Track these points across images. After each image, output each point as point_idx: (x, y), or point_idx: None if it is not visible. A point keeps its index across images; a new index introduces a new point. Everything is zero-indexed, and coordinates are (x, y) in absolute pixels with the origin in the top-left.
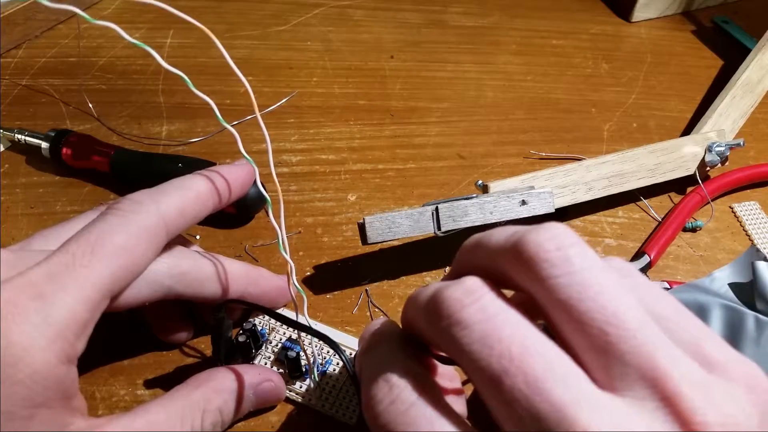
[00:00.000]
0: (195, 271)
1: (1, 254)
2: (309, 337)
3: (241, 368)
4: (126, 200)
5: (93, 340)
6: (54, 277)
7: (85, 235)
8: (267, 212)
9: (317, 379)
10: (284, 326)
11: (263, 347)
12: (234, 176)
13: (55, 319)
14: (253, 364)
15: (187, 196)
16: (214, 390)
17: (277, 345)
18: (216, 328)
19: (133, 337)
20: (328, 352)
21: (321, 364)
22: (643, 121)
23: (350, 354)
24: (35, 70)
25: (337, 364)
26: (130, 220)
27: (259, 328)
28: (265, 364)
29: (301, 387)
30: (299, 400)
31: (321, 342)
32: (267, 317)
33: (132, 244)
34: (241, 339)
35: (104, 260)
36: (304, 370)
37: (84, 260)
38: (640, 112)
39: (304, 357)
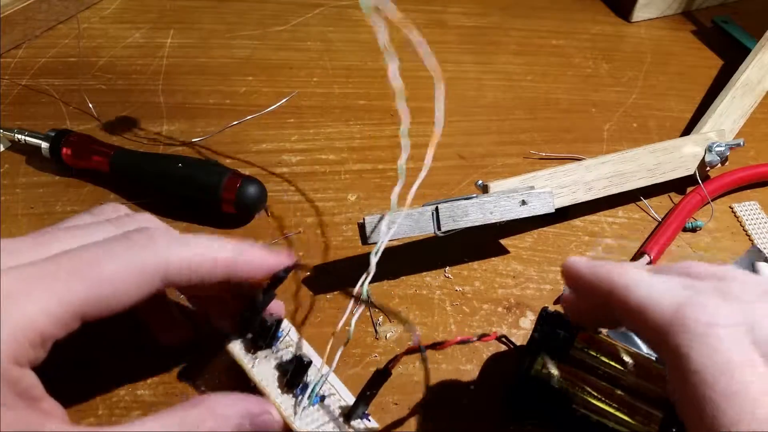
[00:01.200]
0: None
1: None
2: (320, 364)
3: (241, 396)
4: (144, 231)
5: (93, 341)
6: (29, 281)
7: (82, 253)
8: (267, 212)
9: (310, 400)
10: (298, 341)
11: (273, 347)
12: (265, 261)
13: (10, 322)
14: (254, 394)
15: (203, 257)
16: (211, 412)
17: (286, 351)
18: (270, 287)
19: (133, 338)
20: (331, 389)
21: (318, 393)
22: (643, 121)
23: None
24: (35, 70)
25: (331, 396)
26: (132, 253)
27: (280, 329)
28: (266, 359)
29: (286, 400)
30: (282, 411)
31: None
32: (289, 323)
33: (120, 278)
34: (268, 321)
35: (84, 283)
36: (301, 384)
37: (65, 275)
38: (640, 112)
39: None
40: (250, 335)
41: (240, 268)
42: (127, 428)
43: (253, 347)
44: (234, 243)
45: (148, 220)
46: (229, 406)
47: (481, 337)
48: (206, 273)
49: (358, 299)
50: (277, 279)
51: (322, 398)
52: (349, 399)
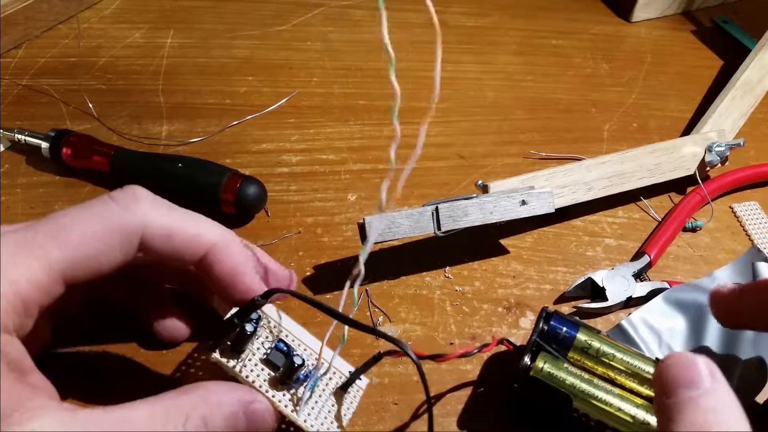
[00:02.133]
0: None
1: None
2: (305, 345)
3: (234, 385)
4: (127, 191)
5: (92, 339)
6: (8, 248)
7: (60, 217)
8: (267, 212)
9: (311, 391)
10: (271, 326)
11: (250, 343)
12: (239, 276)
13: None
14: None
15: (184, 225)
16: (202, 398)
17: (264, 343)
18: (246, 310)
19: (132, 336)
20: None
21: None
22: (643, 121)
23: (316, 359)
24: (35, 70)
25: (326, 380)
26: (111, 212)
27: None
28: (250, 360)
29: (284, 396)
30: (283, 409)
31: (314, 351)
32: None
33: (99, 238)
34: (249, 328)
35: (64, 247)
36: (297, 378)
37: (43, 241)
38: (640, 112)
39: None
40: (229, 343)
41: (216, 260)
42: (114, 410)
43: (235, 351)
44: (225, 229)
45: (137, 187)
46: (222, 393)
47: (482, 347)
48: (184, 250)
49: (356, 277)
50: (252, 305)
51: (303, 360)
52: (341, 366)
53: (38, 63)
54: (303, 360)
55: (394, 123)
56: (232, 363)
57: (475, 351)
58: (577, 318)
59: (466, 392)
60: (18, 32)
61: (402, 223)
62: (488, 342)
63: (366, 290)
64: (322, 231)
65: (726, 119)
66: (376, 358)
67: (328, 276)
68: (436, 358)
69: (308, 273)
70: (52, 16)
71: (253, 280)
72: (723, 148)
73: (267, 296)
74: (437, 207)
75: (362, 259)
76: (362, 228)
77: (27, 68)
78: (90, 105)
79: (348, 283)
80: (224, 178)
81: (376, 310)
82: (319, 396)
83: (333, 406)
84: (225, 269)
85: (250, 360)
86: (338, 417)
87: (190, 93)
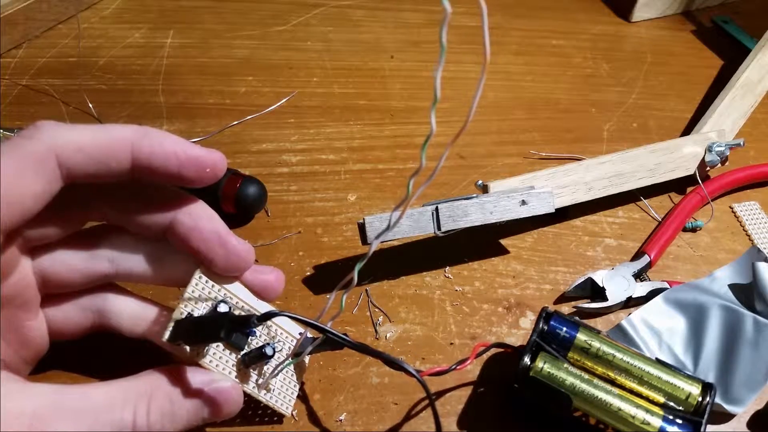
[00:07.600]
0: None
1: None
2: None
3: (192, 368)
4: (30, 127)
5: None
6: None
7: None
8: (267, 212)
9: (274, 370)
10: (238, 305)
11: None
12: (178, 146)
13: None
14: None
15: (96, 136)
16: (167, 378)
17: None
18: (239, 325)
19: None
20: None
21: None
22: (643, 121)
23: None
24: (35, 70)
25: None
26: (18, 146)
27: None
28: (217, 345)
29: (249, 377)
30: (245, 387)
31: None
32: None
33: (13, 172)
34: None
35: None
36: (266, 361)
37: None
38: (640, 112)
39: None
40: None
41: (146, 152)
42: (67, 388)
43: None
44: (138, 126)
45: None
46: (183, 374)
47: (458, 364)
48: (105, 156)
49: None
50: (247, 323)
51: (274, 351)
52: (294, 330)
53: (38, 63)
54: (273, 350)
55: (422, 157)
56: (195, 350)
57: (452, 368)
58: (577, 318)
59: (466, 392)
60: (18, 32)
61: (402, 223)
62: (482, 349)
63: (366, 290)
64: (322, 231)
65: (726, 119)
66: (339, 343)
67: (328, 276)
68: (408, 373)
69: (308, 273)
70: (52, 16)
71: (200, 152)
72: (723, 148)
73: (264, 319)
74: (437, 207)
75: (357, 268)
76: (362, 228)
77: (27, 68)
78: (90, 105)
79: (334, 292)
80: (224, 178)
81: (376, 310)
82: (283, 377)
83: (291, 379)
84: (165, 159)
85: (217, 345)
86: (293, 389)
87: (190, 93)
